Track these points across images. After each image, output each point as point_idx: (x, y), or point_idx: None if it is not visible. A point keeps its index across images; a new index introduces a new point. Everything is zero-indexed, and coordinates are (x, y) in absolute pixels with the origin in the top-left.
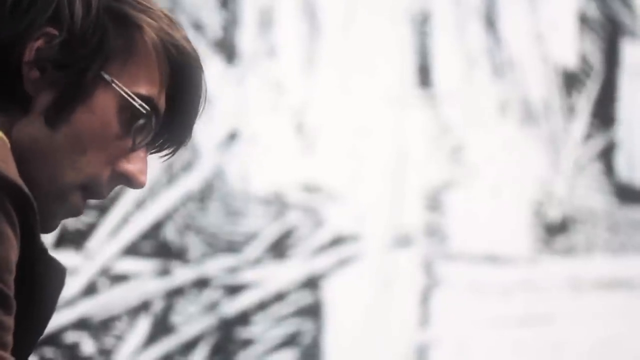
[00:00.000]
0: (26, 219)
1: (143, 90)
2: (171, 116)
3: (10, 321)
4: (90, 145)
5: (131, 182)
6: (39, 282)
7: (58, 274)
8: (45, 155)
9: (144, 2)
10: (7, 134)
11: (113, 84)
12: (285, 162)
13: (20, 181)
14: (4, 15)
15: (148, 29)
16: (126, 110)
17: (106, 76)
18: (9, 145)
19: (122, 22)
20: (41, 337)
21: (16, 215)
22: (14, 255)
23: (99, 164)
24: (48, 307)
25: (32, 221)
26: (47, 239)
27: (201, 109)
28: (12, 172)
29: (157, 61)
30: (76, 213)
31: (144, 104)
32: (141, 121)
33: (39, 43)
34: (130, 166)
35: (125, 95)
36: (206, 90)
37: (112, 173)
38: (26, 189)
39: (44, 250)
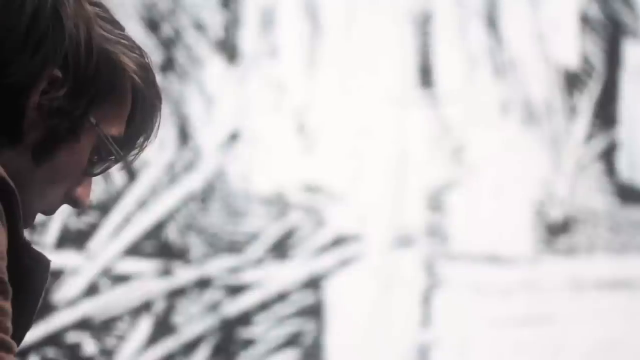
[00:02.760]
0: (12, 212)
1: (115, 131)
2: (125, 141)
3: (9, 307)
4: (61, 179)
5: (79, 205)
6: (25, 274)
7: (43, 267)
8: (23, 186)
9: (124, 39)
10: None
11: (97, 129)
12: (286, 162)
13: (5, 174)
14: (13, 56)
15: (133, 75)
16: (98, 150)
17: (93, 120)
18: None
19: (113, 67)
20: (42, 337)
21: (2, 207)
22: (3, 243)
23: (61, 194)
24: (35, 300)
25: (17, 214)
26: (49, 239)
27: (152, 139)
28: None
29: (130, 101)
30: (27, 228)
31: (117, 149)
32: (109, 160)
33: (44, 85)
34: (81, 191)
35: (105, 140)
36: (160, 124)
37: (65, 197)
38: (12, 183)
39: (27, 243)
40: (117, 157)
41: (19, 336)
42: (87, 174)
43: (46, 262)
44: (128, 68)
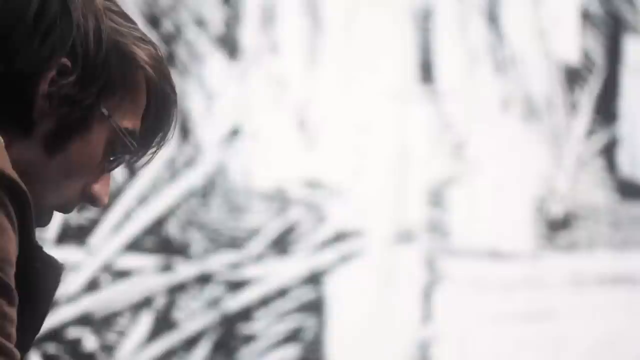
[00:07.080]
0: (23, 216)
1: (130, 124)
2: (142, 138)
3: (14, 313)
4: (76, 173)
5: (96, 203)
6: (36, 278)
7: (55, 271)
8: (37, 179)
9: (138, 33)
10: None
11: (110, 120)
12: (287, 158)
13: (17, 178)
14: (22, 45)
15: (145, 65)
16: (113, 143)
17: (105, 111)
18: (3, 144)
19: (126, 59)
20: (43, 333)
21: (14, 211)
22: (13, 249)
23: (77, 189)
24: (45, 305)
25: (29, 218)
26: (49, 234)
27: (170, 136)
28: (8, 168)
29: (146, 96)
30: (44, 226)
31: (132, 141)
32: (124, 154)
33: (53, 74)
34: (98, 188)
35: (119, 131)
36: (176, 120)
37: (81, 194)
38: (24, 186)
39: (39, 248)
40: (133, 151)
41: (27, 340)
42: (104, 169)
43: (58, 266)
44: (139, 58)
